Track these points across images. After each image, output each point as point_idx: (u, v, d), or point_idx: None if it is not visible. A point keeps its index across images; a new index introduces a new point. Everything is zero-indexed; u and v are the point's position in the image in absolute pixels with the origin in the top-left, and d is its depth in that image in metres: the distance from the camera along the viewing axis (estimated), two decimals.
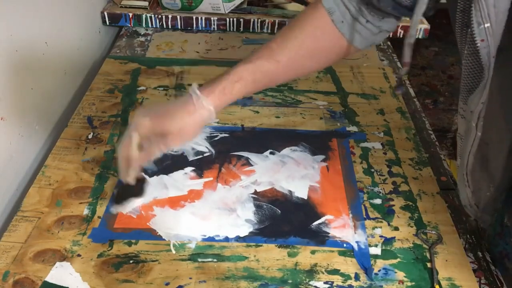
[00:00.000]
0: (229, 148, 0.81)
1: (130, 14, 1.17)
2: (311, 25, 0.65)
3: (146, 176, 0.73)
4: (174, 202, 0.71)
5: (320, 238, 0.67)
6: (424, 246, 0.66)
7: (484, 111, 0.53)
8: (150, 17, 1.17)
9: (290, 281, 0.61)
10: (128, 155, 0.63)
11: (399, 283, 0.61)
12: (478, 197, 0.62)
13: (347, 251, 0.65)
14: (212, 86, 0.63)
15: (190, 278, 0.61)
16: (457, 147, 0.61)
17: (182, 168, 0.77)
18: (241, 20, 1.17)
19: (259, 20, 1.17)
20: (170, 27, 1.18)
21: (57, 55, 0.92)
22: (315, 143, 0.83)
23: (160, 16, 1.17)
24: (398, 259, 0.64)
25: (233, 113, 0.90)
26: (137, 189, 0.70)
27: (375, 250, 0.65)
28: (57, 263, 0.62)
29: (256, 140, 0.83)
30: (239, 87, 0.63)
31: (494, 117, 0.55)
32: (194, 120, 0.62)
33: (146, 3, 1.18)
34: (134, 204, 0.70)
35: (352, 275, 0.62)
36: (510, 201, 0.61)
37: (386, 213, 0.71)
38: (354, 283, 0.61)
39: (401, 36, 1.18)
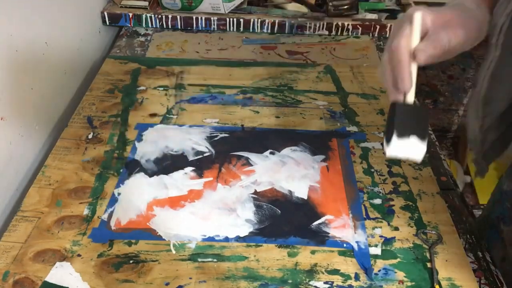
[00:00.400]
0: (229, 148, 0.81)
1: (130, 14, 1.17)
2: None
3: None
4: (174, 202, 0.71)
5: (320, 238, 0.67)
6: (424, 246, 0.66)
7: (506, 25, 0.48)
8: (150, 17, 1.17)
9: (290, 281, 0.61)
10: (410, 47, 0.49)
11: (399, 283, 0.61)
12: (484, 137, 0.57)
13: (347, 251, 0.65)
14: None
15: (190, 278, 0.61)
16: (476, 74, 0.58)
17: (182, 168, 0.77)
18: (241, 20, 1.17)
19: (259, 20, 1.17)
20: (170, 27, 1.18)
21: (57, 55, 0.92)
22: (315, 143, 0.83)
23: (160, 16, 1.17)
24: (398, 259, 0.64)
25: (233, 113, 0.90)
26: (418, 120, 0.48)
27: (375, 250, 0.65)
28: (57, 263, 0.62)
29: (256, 140, 0.83)
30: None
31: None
32: (475, 18, 0.52)
33: (146, 3, 1.18)
34: (412, 152, 0.47)
35: (352, 275, 0.62)
36: (510, 169, 0.60)
37: (386, 213, 0.71)
38: (354, 283, 0.61)
39: None
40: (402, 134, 0.46)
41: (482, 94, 0.54)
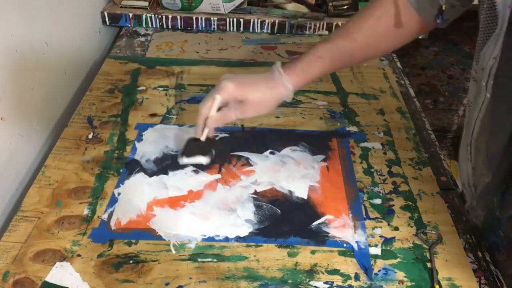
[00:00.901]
0: (229, 148, 0.81)
1: (130, 14, 1.17)
2: (386, 2, 0.67)
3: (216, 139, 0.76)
4: (174, 202, 0.71)
5: (320, 238, 0.67)
6: (424, 246, 0.66)
7: (495, 68, 0.51)
8: (150, 17, 1.17)
9: (290, 281, 0.61)
10: (207, 114, 0.67)
11: (399, 283, 0.61)
12: (477, 181, 0.61)
13: (347, 251, 0.65)
14: (293, 65, 0.67)
15: (190, 278, 0.61)
16: (465, 118, 0.60)
17: (182, 168, 0.77)
18: (241, 20, 1.17)
19: (259, 20, 1.17)
20: (170, 27, 1.18)
21: (57, 55, 0.92)
22: (315, 143, 0.83)
23: (160, 16, 1.17)
24: (398, 259, 0.64)
25: None
26: (206, 148, 0.72)
27: (375, 250, 0.65)
28: (57, 263, 0.62)
29: (256, 140, 0.83)
30: (318, 66, 0.67)
31: (503, 85, 0.52)
32: (272, 95, 0.67)
33: (146, 3, 1.18)
34: (198, 161, 0.72)
35: (352, 275, 0.62)
36: (503, 195, 0.61)
37: (386, 213, 0.71)
38: (354, 283, 0.61)
39: None
40: (188, 155, 0.72)
41: (474, 137, 0.58)
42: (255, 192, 0.73)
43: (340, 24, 1.16)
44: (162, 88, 0.96)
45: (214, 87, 0.68)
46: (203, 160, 0.72)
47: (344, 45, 0.67)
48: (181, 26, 1.18)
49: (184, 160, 0.72)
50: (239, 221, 0.68)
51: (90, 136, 0.83)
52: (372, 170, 0.78)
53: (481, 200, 0.63)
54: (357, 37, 0.67)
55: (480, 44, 0.54)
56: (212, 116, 0.67)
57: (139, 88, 0.96)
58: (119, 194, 0.72)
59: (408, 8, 0.66)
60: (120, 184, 0.74)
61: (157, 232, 0.67)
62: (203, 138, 0.70)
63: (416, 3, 0.65)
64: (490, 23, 0.51)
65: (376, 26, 0.67)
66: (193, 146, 0.72)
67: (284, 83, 0.66)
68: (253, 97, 0.65)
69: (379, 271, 0.63)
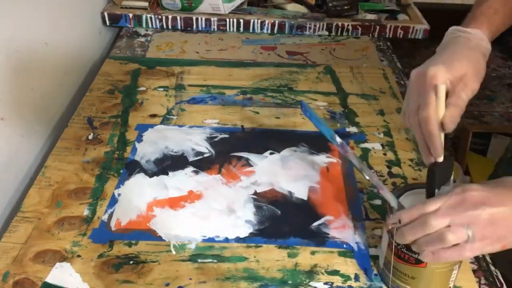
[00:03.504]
0: (229, 149, 0.81)
1: (130, 15, 1.17)
2: None
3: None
4: (174, 203, 0.71)
5: (320, 239, 0.67)
6: None
7: None
8: (150, 18, 1.17)
9: (290, 282, 0.61)
10: (437, 118, 0.54)
11: None
12: None
13: (347, 252, 0.65)
14: (476, 22, 0.62)
15: (190, 279, 0.61)
16: None
17: (182, 168, 0.77)
18: (241, 20, 1.17)
19: (259, 21, 1.17)
20: (170, 27, 1.18)
21: (57, 55, 0.93)
22: (315, 144, 0.83)
23: (160, 17, 1.17)
24: None
25: (233, 113, 0.90)
26: (447, 170, 0.55)
27: (375, 251, 0.65)
28: (57, 264, 0.62)
29: (256, 141, 0.83)
30: (497, 20, 0.64)
31: None
32: (480, 53, 0.60)
33: (146, 4, 1.18)
34: (440, 192, 0.55)
35: (352, 276, 0.62)
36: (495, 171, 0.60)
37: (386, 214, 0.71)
38: (354, 284, 0.61)
39: (400, 36, 1.18)
40: (440, 186, 0.55)
41: None
42: (255, 193, 0.73)
43: (340, 25, 1.16)
44: (162, 89, 0.96)
45: (412, 86, 0.58)
46: (446, 190, 0.54)
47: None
48: (181, 26, 1.18)
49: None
50: (239, 222, 0.69)
51: (90, 137, 0.83)
52: (372, 171, 0.78)
53: None
54: None
55: None
56: (446, 114, 0.54)
57: (139, 89, 0.96)
58: (119, 194, 0.72)
59: None
60: (120, 185, 0.74)
61: (157, 233, 0.67)
62: (441, 158, 0.54)
63: None
64: None
65: None
66: (441, 173, 0.55)
67: (481, 38, 0.61)
68: (469, 67, 0.57)
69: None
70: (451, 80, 0.56)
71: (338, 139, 0.65)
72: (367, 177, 0.61)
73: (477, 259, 0.66)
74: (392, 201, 0.56)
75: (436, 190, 0.54)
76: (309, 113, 0.68)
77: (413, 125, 0.57)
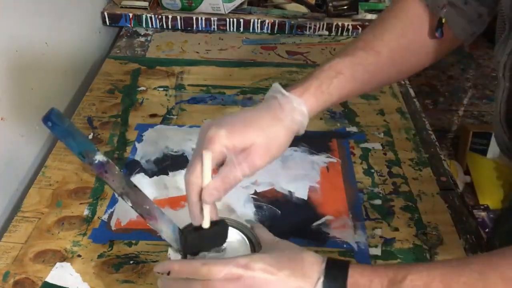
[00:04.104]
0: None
1: (130, 15, 1.17)
2: (406, 14, 0.59)
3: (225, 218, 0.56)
4: (174, 203, 0.71)
5: (320, 238, 0.67)
6: (424, 246, 0.66)
7: (509, 63, 0.52)
8: (150, 18, 1.17)
9: None
10: (199, 185, 0.50)
11: None
12: None
13: (347, 251, 0.65)
14: (304, 84, 0.53)
15: None
16: (495, 99, 0.59)
17: (182, 168, 0.77)
18: (241, 20, 1.17)
19: (259, 21, 1.17)
20: (170, 27, 1.18)
21: (57, 55, 0.93)
22: (315, 143, 0.83)
23: (160, 17, 1.17)
24: (398, 260, 0.64)
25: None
26: (214, 235, 0.52)
27: (375, 251, 0.65)
28: (57, 264, 0.62)
29: None
30: (337, 83, 0.53)
31: None
32: (284, 127, 0.51)
33: (146, 4, 1.18)
34: (208, 256, 0.53)
35: None
36: None
37: (386, 213, 0.71)
38: None
39: None
40: (192, 252, 0.53)
41: (503, 116, 0.58)
42: (255, 193, 0.73)
43: (340, 24, 1.16)
44: (162, 89, 0.96)
45: (198, 141, 0.51)
46: (215, 255, 0.52)
47: (366, 58, 0.56)
48: (181, 26, 1.18)
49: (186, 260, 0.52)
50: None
51: (90, 137, 0.83)
52: (372, 170, 0.78)
53: None
54: (381, 49, 0.56)
55: (496, 41, 0.54)
56: (207, 184, 0.49)
57: (139, 89, 0.96)
58: None
59: (429, 18, 0.58)
60: None
61: (157, 233, 0.66)
62: (206, 225, 0.51)
63: (438, 12, 0.57)
64: (501, 24, 0.52)
65: (400, 38, 0.57)
66: (194, 238, 0.52)
67: (295, 107, 0.51)
68: (260, 138, 0.49)
69: None
70: (230, 148, 0.49)
71: (99, 157, 0.50)
72: (130, 204, 0.52)
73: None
74: (173, 241, 0.52)
75: (189, 256, 0.51)
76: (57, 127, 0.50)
77: (185, 183, 0.51)
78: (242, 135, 0.49)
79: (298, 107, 0.52)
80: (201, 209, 0.51)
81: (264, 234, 0.56)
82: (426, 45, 0.60)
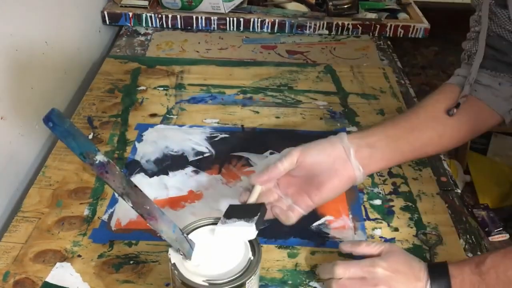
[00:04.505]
0: (229, 149, 0.81)
1: (130, 14, 1.16)
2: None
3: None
4: (174, 203, 0.71)
5: (320, 239, 0.67)
6: (424, 247, 0.66)
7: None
8: (150, 17, 1.17)
9: (290, 282, 0.61)
10: (278, 174, 0.63)
11: None
12: None
13: None
14: (369, 152, 0.64)
15: None
16: None
17: (182, 168, 0.77)
18: (241, 19, 1.17)
19: (259, 20, 1.17)
20: (170, 26, 1.18)
21: (57, 55, 0.92)
22: None
23: (160, 16, 1.17)
24: None
25: (233, 113, 0.90)
26: (252, 209, 0.60)
27: None
28: (58, 264, 0.62)
29: (256, 141, 0.83)
30: (390, 156, 0.66)
31: None
32: (348, 179, 0.64)
33: (146, 3, 1.18)
34: (241, 232, 0.57)
35: None
36: None
37: (386, 214, 0.71)
38: None
39: (401, 35, 1.18)
40: (229, 217, 0.58)
41: None
42: None
43: (340, 24, 1.16)
44: (162, 88, 0.96)
45: (280, 155, 0.64)
46: (241, 223, 0.56)
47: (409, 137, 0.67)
48: (181, 25, 1.18)
49: (223, 228, 0.56)
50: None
51: (90, 137, 0.83)
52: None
53: None
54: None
55: None
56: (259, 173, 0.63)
57: (139, 88, 0.96)
58: None
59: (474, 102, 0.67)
60: None
61: (158, 233, 0.66)
62: (252, 200, 0.62)
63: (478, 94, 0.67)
64: None
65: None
66: (238, 206, 0.62)
67: (355, 168, 0.63)
68: (328, 179, 0.63)
69: None
70: (294, 171, 0.64)
71: (100, 157, 0.51)
72: (130, 204, 0.53)
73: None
74: (173, 241, 0.54)
75: (223, 218, 0.57)
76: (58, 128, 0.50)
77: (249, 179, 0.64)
78: (312, 167, 0.64)
79: (357, 170, 0.64)
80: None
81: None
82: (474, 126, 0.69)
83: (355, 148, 0.63)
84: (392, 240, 0.67)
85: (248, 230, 0.55)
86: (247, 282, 0.51)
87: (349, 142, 0.63)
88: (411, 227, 0.69)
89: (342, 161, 0.63)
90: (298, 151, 0.63)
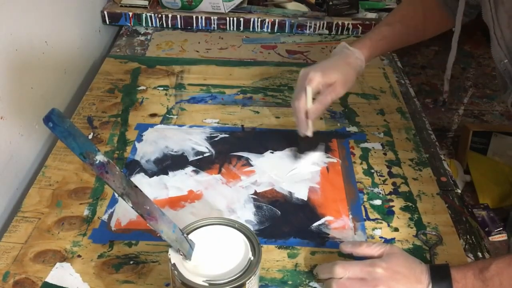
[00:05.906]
0: (229, 149, 0.81)
1: (130, 13, 1.16)
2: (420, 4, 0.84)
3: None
4: (174, 203, 0.71)
5: (320, 239, 0.67)
6: (424, 247, 0.66)
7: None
8: (150, 16, 1.17)
9: (290, 282, 0.61)
10: (305, 108, 0.73)
11: None
12: None
13: None
14: (362, 42, 0.80)
15: None
16: None
17: (182, 168, 0.77)
18: (241, 19, 1.17)
19: (259, 20, 1.17)
20: (170, 26, 1.18)
21: (57, 54, 0.92)
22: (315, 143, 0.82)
23: (160, 16, 1.16)
24: None
25: (233, 113, 0.90)
26: (315, 143, 0.79)
27: None
28: (57, 264, 0.62)
29: (256, 141, 0.83)
30: (382, 44, 0.81)
31: None
32: (353, 69, 0.77)
33: (146, 2, 1.18)
34: (311, 158, 0.78)
35: None
36: None
37: (386, 214, 0.71)
38: None
39: None
40: (302, 151, 0.79)
41: None
42: (255, 193, 0.73)
43: (340, 23, 1.16)
44: (162, 88, 0.96)
45: (298, 81, 0.75)
46: (314, 156, 0.78)
47: (399, 29, 0.81)
48: (181, 25, 1.18)
49: (297, 158, 0.77)
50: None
51: (90, 137, 0.83)
52: (372, 170, 0.78)
53: None
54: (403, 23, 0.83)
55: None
56: (311, 107, 0.73)
57: (139, 88, 0.96)
58: None
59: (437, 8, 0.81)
60: None
61: (157, 233, 0.66)
62: (310, 133, 0.75)
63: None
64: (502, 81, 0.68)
65: (410, 20, 0.83)
66: (304, 144, 0.78)
67: (358, 57, 0.78)
68: (339, 77, 0.74)
69: None
70: (323, 84, 0.74)
71: (100, 157, 0.51)
72: (130, 205, 0.52)
73: (477, 260, 0.66)
74: (173, 241, 0.53)
75: (301, 155, 0.78)
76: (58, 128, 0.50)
77: (293, 108, 0.76)
78: (329, 76, 0.74)
79: (359, 57, 0.78)
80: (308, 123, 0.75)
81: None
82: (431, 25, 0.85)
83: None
84: (392, 240, 0.67)
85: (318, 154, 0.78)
86: (247, 283, 0.51)
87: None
88: (411, 227, 0.69)
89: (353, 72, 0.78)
90: (319, 75, 0.73)
